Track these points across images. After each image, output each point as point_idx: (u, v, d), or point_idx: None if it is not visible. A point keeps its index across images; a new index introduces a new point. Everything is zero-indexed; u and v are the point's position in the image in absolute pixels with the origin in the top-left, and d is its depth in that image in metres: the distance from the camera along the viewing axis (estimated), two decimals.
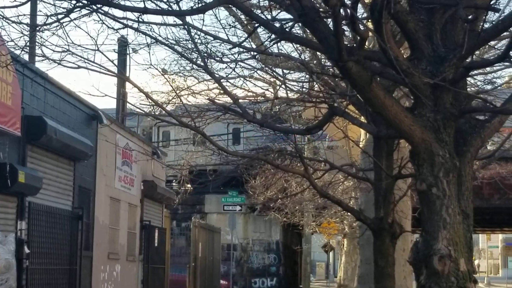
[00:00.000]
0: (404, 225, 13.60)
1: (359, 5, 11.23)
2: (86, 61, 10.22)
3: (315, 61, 13.30)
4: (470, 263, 7.61)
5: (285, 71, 14.63)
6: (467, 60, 7.90)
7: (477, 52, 13.52)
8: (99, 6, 8.27)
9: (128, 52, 12.85)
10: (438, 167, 7.60)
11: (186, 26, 9.55)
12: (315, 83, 12.54)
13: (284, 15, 8.53)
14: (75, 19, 8.85)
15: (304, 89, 14.00)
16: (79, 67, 10.14)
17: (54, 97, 19.67)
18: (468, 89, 12.24)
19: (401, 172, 11.57)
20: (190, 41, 11.19)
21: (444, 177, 7.59)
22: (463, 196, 7.83)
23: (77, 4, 8.23)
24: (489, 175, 23.39)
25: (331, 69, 11.95)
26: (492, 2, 7.80)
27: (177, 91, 14.99)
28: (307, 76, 13.34)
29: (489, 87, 15.47)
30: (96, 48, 10.20)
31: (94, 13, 8.66)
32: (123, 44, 19.58)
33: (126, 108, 28.73)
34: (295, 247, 49.82)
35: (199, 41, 10.93)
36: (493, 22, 8.63)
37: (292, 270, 53.10)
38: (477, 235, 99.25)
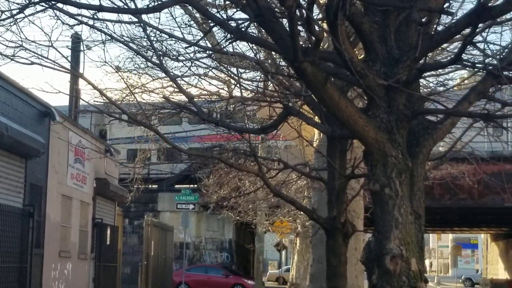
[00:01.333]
0: (357, 225, 13.71)
1: (315, 6, 11.29)
2: (39, 57, 10.14)
3: (270, 61, 13.34)
4: (421, 263, 7.71)
5: (240, 70, 14.64)
6: (420, 62, 7.99)
7: (430, 55, 13.68)
8: (54, 2, 8.21)
9: (82, 49, 12.75)
10: (391, 168, 7.67)
11: (142, 24, 9.52)
12: (270, 82, 12.57)
13: (240, 14, 8.55)
14: (29, 15, 8.79)
15: (259, 89, 14.02)
16: (32, 63, 10.06)
17: (6, 93, 19.48)
18: (421, 90, 12.38)
19: (354, 172, 11.63)
20: (145, 39, 11.16)
21: (396, 177, 7.67)
22: (415, 197, 7.92)
23: (32, 0, 8.17)
24: (440, 175, 23.65)
25: (286, 69, 11.99)
26: (445, 6, 7.90)
27: (131, 89, 14.93)
28: (262, 75, 13.36)
29: (441, 89, 15.63)
30: (50, 44, 10.12)
31: (49, 9, 8.60)
32: (77, 40, 19.44)
33: (79, 105, 28.54)
34: (248, 245, 49.94)
35: (154, 39, 10.91)
36: (446, 25, 8.75)
37: (245, 268, 53.14)
38: (427, 235, 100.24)
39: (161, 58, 11.07)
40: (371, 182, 7.78)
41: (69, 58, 13.22)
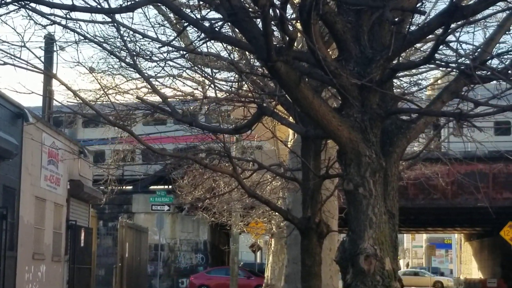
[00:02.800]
0: (331, 225, 13.72)
1: (288, 6, 11.29)
2: (12, 57, 10.06)
3: (244, 61, 13.33)
4: (395, 262, 7.72)
5: (214, 70, 14.62)
6: (393, 62, 8.01)
7: (403, 54, 13.73)
8: (26, 2, 8.15)
9: (55, 49, 12.67)
10: (365, 167, 7.68)
11: (115, 24, 9.47)
12: (244, 82, 12.57)
13: (213, 14, 8.53)
14: (1, 15, 8.72)
15: (233, 89, 14.02)
16: (5, 63, 9.97)
17: None
18: (395, 90, 12.41)
19: (328, 172, 11.63)
20: (118, 39, 11.11)
21: (370, 177, 7.68)
22: (389, 196, 7.94)
23: (4, 0, 8.10)
24: (414, 175, 23.76)
25: (260, 69, 11.99)
26: (418, 5, 7.93)
27: (105, 90, 14.87)
28: (236, 75, 13.36)
29: (414, 88, 15.70)
30: (23, 44, 10.05)
31: (22, 9, 8.54)
32: (50, 41, 19.34)
33: (53, 106, 28.38)
34: (222, 247, 49.85)
35: (128, 39, 10.87)
36: (419, 25, 8.78)
37: None
38: (402, 235, 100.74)
39: (135, 58, 11.03)
40: (345, 182, 7.78)
41: (42, 59, 13.15)
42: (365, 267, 7.46)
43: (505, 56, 8.77)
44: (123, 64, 13.65)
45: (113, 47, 12.32)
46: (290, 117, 12.41)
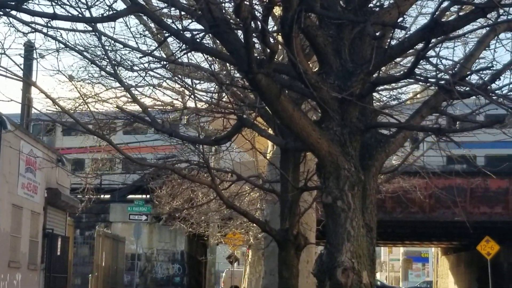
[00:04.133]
0: (309, 237, 13.74)
1: (270, 18, 11.31)
2: None
3: (224, 72, 13.33)
4: (372, 276, 7.73)
5: (194, 81, 14.61)
6: (374, 76, 8.04)
7: (383, 68, 13.79)
8: (7, 9, 8.13)
9: (35, 57, 12.63)
10: (344, 181, 7.70)
11: (96, 33, 9.46)
12: (224, 94, 12.57)
13: (195, 25, 8.53)
14: None
15: (213, 100, 14.01)
16: None
17: None
18: (374, 104, 12.45)
19: (307, 185, 11.66)
20: (99, 48, 11.09)
21: (349, 190, 7.69)
22: (367, 210, 7.96)
23: None
24: (392, 189, 23.83)
25: (240, 81, 12.00)
26: (399, 20, 7.98)
27: (85, 98, 14.83)
28: (216, 86, 13.36)
29: (394, 102, 15.77)
30: (3, 52, 10.01)
31: (3, 16, 8.51)
32: (30, 48, 19.27)
33: (32, 114, 28.25)
34: (200, 257, 49.68)
35: (109, 48, 10.85)
36: (400, 40, 8.82)
37: (196, 281, 52.91)
38: (379, 248, 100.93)
39: (115, 67, 11.01)
40: (324, 195, 7.79)
41: (22, 66, 13.09)
42: (343, 280, 7.47)
43: (484, 72, 8.83)
44: (103, 73, 13.61)
45: (93, 56, 12.29)
46: (270, 129, 12.42)
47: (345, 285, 7.46)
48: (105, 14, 8.06)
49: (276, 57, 7.76)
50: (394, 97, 16.33)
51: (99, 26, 9.48)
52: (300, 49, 7.56)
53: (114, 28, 16.84)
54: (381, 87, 15.32)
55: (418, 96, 17.23)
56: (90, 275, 35.62)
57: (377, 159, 8.13)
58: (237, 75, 12.58)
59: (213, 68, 11.92)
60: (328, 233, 7.77)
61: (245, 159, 24.86)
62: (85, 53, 11.84)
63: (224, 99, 13.14)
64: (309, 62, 9.23)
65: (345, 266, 7.49)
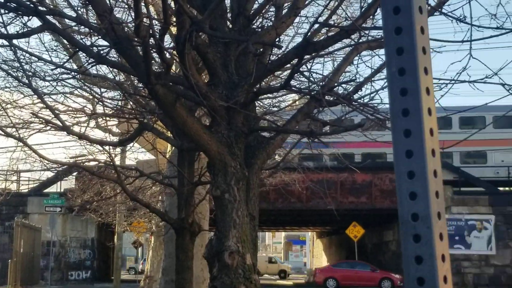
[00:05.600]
0: (203, 225, 13.74)
1: (168, 36, 11.29)
2: None
3: (129, 82, 13.22)
4: (254, 258, 7.81)
5: (102, 89, 14.43)
6: (256, 87, 8.13)
7: (266, 80, 13.93)
8: None
9: None
10: (230, 176, 7.75)
11: (12, 48, 9.24)
12: (128, 101, 12.46)
13: (102, 41, 8.44)
14: None
15: (118, 106, 13.86)
16: None
17: None
18: (258, 110, 12.54)
19: (200, 180, 11.68)
20: (15, 61, 10.83)
21: (235, 184, 7.75)
22: (251, 201, 8.03)
23: None
24: (275, 182, 24.07)
25: (142, 90, 11.93)
26: (276, 40, 8.08)
27: (4, 105, 14.45)
28: (121, 95, 13.23)
29: (275, 109, 15.92)
30: None
31: None
32: None
33: None
34: (108, 243, 48.98)
35: (24, 61, 10.61)
36: (279, 56, 8.94)
37: (105, 264, 52.17)
38: (264, 233, 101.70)
39: (30, 78, 10.77)
40: (213, 189, 7.83)
41: None
42: (229, 262, 7.52)
43: (350, 84, 9.04)
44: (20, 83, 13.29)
45: (10, 67, 12.01)
46: (168, 132, 12.39)
47: (231, 266, 7.51)
48: (20, 31, 7.88)
49: (173, 69, 7.76)
50: (273, 104, 16.49)
51: (15, 41, 9.26)
52: (193, 64, 7.58)
53: (29, 43, 16.45)
54: (264, 96, 15.44)
55: (296, 103, 17.46)
56: (9, 260, 34.72)
57: (259, 158, 8.22)
58: (140, 84, 12.50)
59: (118, 78, 11.81)
60: (217, 222, 7.81)
61: (147, 158, 24.70)
62: (2, 65, 11.56)
63: (128, 106, 13.02)
64: (202, 74, 9.27)
65: (232, 250, 7.53)
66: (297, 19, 12.23)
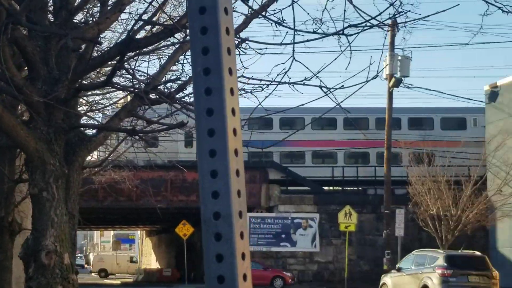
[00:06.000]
0: (26, 224, 13.28)
1: None
2: None
3: None
4: (73, 257, 7.63)
5: None
6: (77, 83, 7.93)
7: (94, 77, 13.67)
8: None
9: None
10: (49, 174, 7.52)
11: None
12: None
13: None
14: None
15: None
16: None
17: None
18: (83, 107, 12.28)
19: (21, 177, 11.42)
20: None
21: (54, 182, 7.53)
22: (71, 199, 7.85)
23: None
24: (105, 180, 23.67)
25: None
26: (97, 36, 7.91)
27: None
28: None
29: (100, 106, 15.65)
30: None
31: None
32: None
33: None
34: None
35: None
36: (102, 52, 8.78)
37: None
38: (92, 232, 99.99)
39: None
40: (31, 186, 7.58)
41: None
42: (46, 261, 7.30)
43: (176, 83, 9.01)
44: None
45: None
46: None
47: (49, 266, 7.29)
48: None
49: None
50: (98, 102, 16.18)
51: None
52: (9, 57, 7.27)
53: None
54: (91, 93, 15.13)
55: (122, 101, 17.24)
56: None
57: (80, 155, 8.05)
58: None
59: None
60: (34, 220, 7.56)
61: None
62: None
63: None
64: (24, 68, 8.94)
65: (49, 249, 7.32)
66: (126, 16, 12.11)
